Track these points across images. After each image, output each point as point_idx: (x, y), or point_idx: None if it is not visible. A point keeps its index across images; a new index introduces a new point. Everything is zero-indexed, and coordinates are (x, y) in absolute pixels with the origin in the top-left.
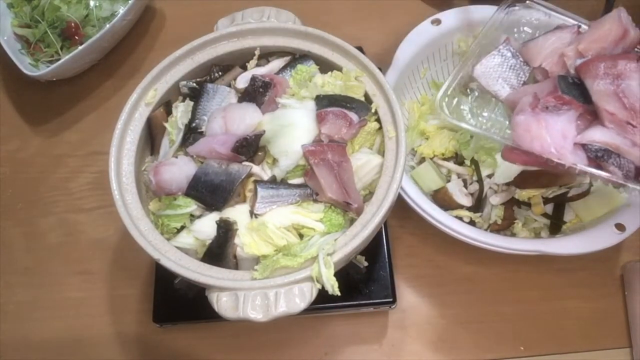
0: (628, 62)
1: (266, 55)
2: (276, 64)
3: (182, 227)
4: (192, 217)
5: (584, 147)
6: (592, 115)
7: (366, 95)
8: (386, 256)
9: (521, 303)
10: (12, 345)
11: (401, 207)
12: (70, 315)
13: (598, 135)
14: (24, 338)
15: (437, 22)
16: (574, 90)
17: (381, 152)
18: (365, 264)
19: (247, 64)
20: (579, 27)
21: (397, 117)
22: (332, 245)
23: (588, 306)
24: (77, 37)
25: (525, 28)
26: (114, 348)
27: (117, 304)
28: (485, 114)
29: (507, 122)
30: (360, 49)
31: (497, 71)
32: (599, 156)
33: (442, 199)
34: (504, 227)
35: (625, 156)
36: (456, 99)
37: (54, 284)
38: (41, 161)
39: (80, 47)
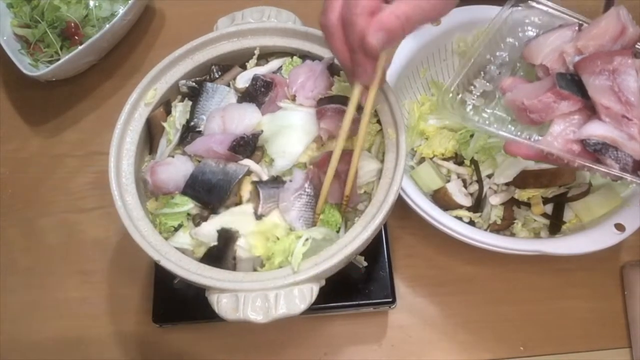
0: (623, 57)
1: (266, 55)
2: (276, 64)
3: (179, 226)
4: (189, 215)
5: (582, 142)
6: (590, 110)
7: None
8: (386, 256)
9: (521, 303)
10: (12, 345)
11: (401, 208)
12: (70, 315)
13: (596, 130)
14: (24, 338)
15: (437, 21)
16: (573, 86)
17: (380, 153)
18: (365, 264)
19: (246, 63)
20: (580, 25)
21: (397, 118)
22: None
23: (588, 306)
24: (76, 37)
25: (529, 28)
26: (113, 348)
27: (117, 304)
28: (488, 111)
29: (510, 118)
30: None
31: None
32: (597, 150)
33: (441, 199)
34: (504, 227)
35: (622, 149)
36: (460, 96)
37: (54, 284)
38: (41, 161)
39: (80, 47)
